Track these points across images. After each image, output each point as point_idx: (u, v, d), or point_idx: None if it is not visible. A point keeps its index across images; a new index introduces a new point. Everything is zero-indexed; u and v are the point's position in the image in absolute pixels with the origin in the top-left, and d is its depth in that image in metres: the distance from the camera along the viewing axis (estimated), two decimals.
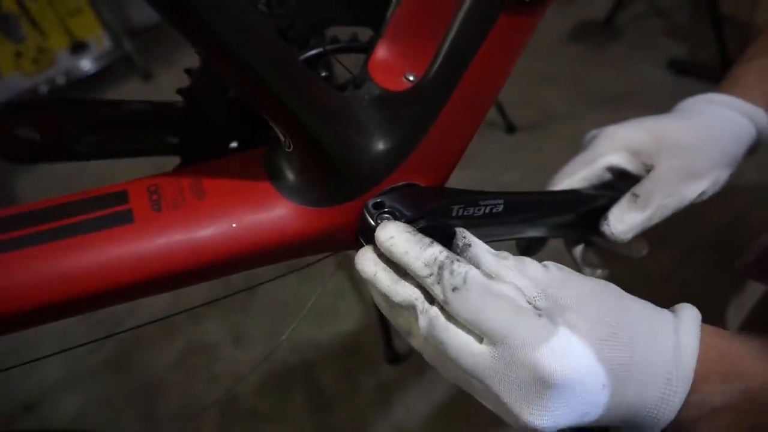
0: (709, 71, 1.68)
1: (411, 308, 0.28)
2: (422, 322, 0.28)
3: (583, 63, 1.88)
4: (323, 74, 0.39)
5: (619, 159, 0.42)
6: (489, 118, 0.37)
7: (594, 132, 0.46)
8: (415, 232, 0.29)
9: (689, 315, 0.29)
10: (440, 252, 0.28)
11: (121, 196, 0.31)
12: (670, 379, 0.27)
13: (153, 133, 0.37)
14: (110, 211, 0.30)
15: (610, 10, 1.98)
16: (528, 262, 0.29)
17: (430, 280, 0.27)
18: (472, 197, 0.33)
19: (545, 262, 0.30)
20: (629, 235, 0.40)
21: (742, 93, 0.44)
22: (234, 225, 0.31)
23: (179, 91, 0.36)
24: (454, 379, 0.29)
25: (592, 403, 0.26)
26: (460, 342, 0.27)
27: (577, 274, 0.30)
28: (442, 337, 0.27)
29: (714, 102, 0.44)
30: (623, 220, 0.40)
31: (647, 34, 1.97)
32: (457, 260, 0.27)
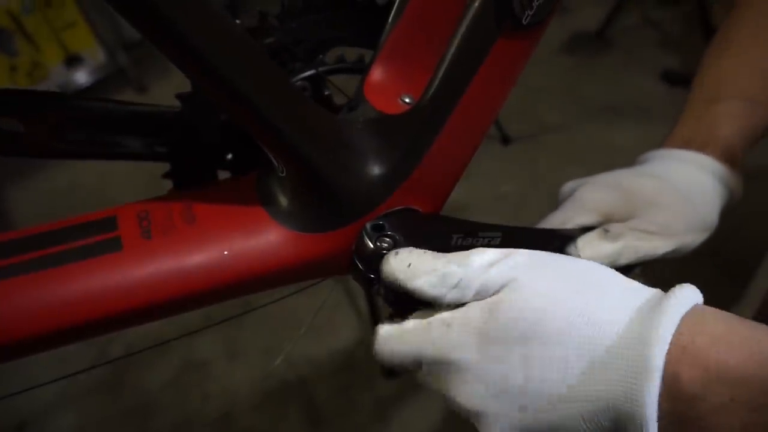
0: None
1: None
2: None
3: (576, 74, 1.89)
4: (326, 93, 0.38)
5: (591, 221, 0.41)
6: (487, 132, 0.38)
7: (568, 186, 0.45)
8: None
9: (679, 294, 0.25)
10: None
11: (110, 223, 0.30)
12: (633, 366, 0.23)
13: (144, 137, 0.36)
14: (98, 238, 0.29)
15: (603, 22, 2.00)
16: (474, 262, 0.28)
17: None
18: (471, 227, 0.33)
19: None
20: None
21: (720, 153, 0.42)
22: (226, 252, 0.30)
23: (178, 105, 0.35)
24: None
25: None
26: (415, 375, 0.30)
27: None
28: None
29: (689, 162, 0.42)
30: (592, 245, 0.39)
31: (640, 45, 1.99)
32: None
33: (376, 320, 1.09)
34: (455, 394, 0.27)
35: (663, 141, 0.47)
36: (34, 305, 0.27)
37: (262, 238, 0.31)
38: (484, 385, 0.26)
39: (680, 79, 1.74)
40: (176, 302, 0.30)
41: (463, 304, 0.28)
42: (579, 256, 0.39)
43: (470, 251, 0.28)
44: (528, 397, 0.25)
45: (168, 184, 0.37)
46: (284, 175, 0.31)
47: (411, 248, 0.29)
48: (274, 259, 0.31)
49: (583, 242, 0.39)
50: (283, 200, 0.31)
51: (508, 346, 0.26)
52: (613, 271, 0.28)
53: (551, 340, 0.25)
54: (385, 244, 0.30)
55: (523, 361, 0.25)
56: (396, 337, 0.29)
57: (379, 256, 0.30)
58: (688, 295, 0.25)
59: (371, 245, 0.30)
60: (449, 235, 0.32)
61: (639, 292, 0.26)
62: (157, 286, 0.29)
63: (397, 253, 0.29)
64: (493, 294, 0.27)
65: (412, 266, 0.28)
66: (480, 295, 0.27)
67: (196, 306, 0.31)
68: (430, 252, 0.29)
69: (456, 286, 0.27)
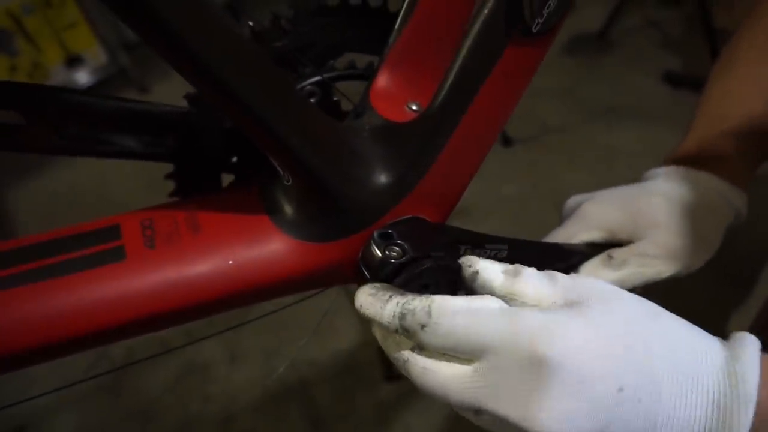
0: (704, 83, 1.69)
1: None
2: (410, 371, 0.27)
3: (578, 76, 1.88)
4: (335, 99, 0.38)
5: (595, 237, 0.41)
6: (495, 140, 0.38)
7: (573, 201, 0.44)
8: (377, 291, 0.28)
9: (748, 342, 0.25)
10: (396, 303, 0.27)
11: (114, 231, 0.30)
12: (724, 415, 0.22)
13: (147, 136, 0.35)
14: (101, 247, 0.29)
15: (604, 23, 1.99)
16: (554, 273, 0.27)
17: (399, 333, 0.27)
18: (478, 239, 0.32)
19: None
20: None
21: (727, 172, 0.42)
22: (230, 262, 0.29)
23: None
24: (477, 422, 0.26)
25: (610, 410, 0.22)
26: (443, 375, 0.25)
27: (613, 287, 0.27)
28: (425, 379, 0.26)
29: (695, 182, 0.42)
30: (596, 275, 0.39)
31: (641, 46, 1.98)
32: (416, 299, 0.26)
33: None
34: (539, 401, 0.23)
35: (669, 155, 0.46)
36: (36, 316, 0.27)
37: (267, 248, 0.30)
38: (579, 391, 0.23)
39: (682, 81, 1.73)
40: (180, 312, 0.29)
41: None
42: None
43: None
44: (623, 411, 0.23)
45: (170, 185, 0.37)
46: (289, 183, 0.30)
47: (361, 290, 0.29)
48: (280, 269, 0.30)
49: (587, 271, 0.39)
50: (289, 209, 0.31)
51: (611, 357, 0.23)
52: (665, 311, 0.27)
53: (648, 363, 0.24)
54: (394, 253, 0.30)
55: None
56: (466, 314, 0.25)
57: (386, 264, 0.30)
58: (756, 346, 0.25)
59: (379, 254, 0.30)
60: (456, 245, 0.32)
61: (710, 342, 0.26)
62: (160, 297, 0.28)
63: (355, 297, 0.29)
64: (573, 303, 0.25)
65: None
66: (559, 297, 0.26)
67: (201, 316, 0.31)
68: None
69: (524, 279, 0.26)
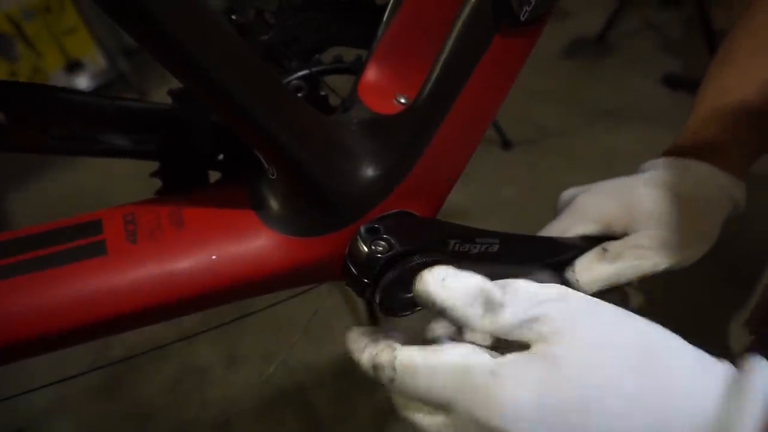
0: None
1: None
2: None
3: (577, 79, 1.88)
4: (323, 93, 0.37)
5: (591, 230, 0.40)
6: (485, 134, 0.37)
7: (568, 194, 0.44)
8: (357, 337, 0.29)
9: (757, 373, 0.22)
10: (369, 354, 0.27)
11: (95, 226, 0.29)
12: None
13: (133, 133, 0.34)
14: (82, 242, 0.28)
15: (603, 26, 1.99)
16: (519, 289, 0.26)
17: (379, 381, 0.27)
18: (468, 233, 0.32)
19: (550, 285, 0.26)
20: (594, 287, 0.38)
21: (724, 162, 0.41)
22: (214, 257, 0.29)
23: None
24: None
25: None
26: (421, 422, 0.26)
27: (595, 300, 0.26)
28: (408, 418, 0.27)
29: (692, 172, 0.41)
30: (590, 269, 0.38)
31: (640, 49, 1.98)
32: (384, 351, 0.27)
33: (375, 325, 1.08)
34: None
35: (665, 148, 0.46)
36: (13, 311, 0.26)
37: (253, 243, 0.30)
38: None
39: (681, 83, 1.73)
40: (162, 308, 0.29)
41: (492, 349, 0.25)
42: (577, 281, 0.38)
43: (514, 279, 0.26)
44: None
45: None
46: (275, 177, 0.30)
47: (447, 266, 0.27)
48: (265, 265, 0.30)
49: (582, 266, 0.38)
50: (274, 204, 0.30)
51: (566, 414, 0.22)
52: (673, 335, 0.25)
53: (615, 412, 0.22)
54: (380, 248, 0.29)
55: None
56: (425, 371, 0.25)
57: (372, 260, 0.29)
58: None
59: (365, 249, 0.29)
60: (446, 240, 0.31)
61: (710, 370, 0.24)
62: (141, 292, 0.28)
63: (431, 270, 0.26)
64: (540, 342, 0.24)
65: (446, 281, 0.25)
66: (522, 334, 0.24)
67: (185, 312, 0.30)
68: (468, 272, 0.26)
69: (494, 310, 0.25)
